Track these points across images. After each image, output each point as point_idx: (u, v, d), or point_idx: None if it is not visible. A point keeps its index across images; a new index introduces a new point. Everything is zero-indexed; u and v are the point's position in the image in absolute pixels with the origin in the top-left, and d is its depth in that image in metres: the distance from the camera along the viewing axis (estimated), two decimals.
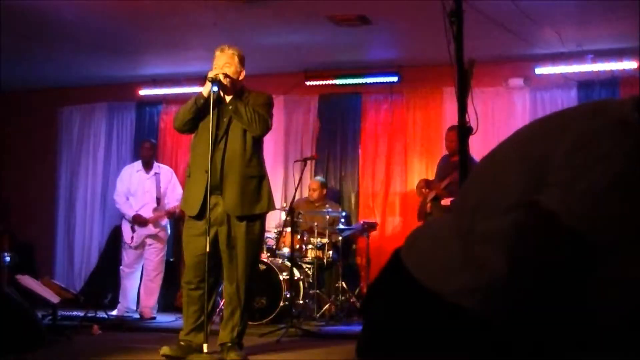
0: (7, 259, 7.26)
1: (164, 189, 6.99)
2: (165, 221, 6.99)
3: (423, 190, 6.64)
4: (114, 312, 6.79)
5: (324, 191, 7.38)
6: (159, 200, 6.92)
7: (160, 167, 7.14)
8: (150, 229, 6.87)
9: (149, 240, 6.90)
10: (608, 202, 1.10)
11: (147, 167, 7.04)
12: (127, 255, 6.96)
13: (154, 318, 6.74)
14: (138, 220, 6.81)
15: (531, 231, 1.17)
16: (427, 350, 1.27)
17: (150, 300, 6.88)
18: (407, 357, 1.29)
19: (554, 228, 1.13)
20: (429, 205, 6.45)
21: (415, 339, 1.28)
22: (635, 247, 1.15)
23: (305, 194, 7.50)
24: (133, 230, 6.85)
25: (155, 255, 6.91)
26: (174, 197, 6.91)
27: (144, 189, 6.94)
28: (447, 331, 1.26)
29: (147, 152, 7.07)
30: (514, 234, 1.19)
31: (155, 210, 6.88)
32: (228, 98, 4.19)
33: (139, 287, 7.01)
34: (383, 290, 1.41)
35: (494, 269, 1.22)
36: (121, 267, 7.00)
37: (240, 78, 4.27)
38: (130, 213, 6.86)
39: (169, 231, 7.11)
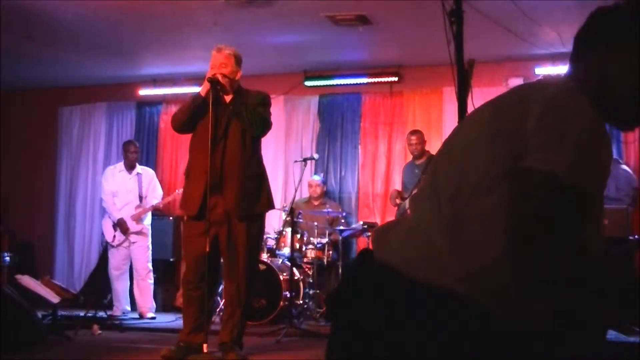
0: (7, 259, 7.26)
1: (146, 190, 7.07)
2: (148, 217, 7.05)
3: (397, 200, 6.72)
4: (112, 313, 6.80)
5: (324, 188, 7.41)
6: (141, 198, 7.00)
7: (142, 169, 7.24)
8: (133, 226, 6.90)
9: (133, 238, 6.93)
10: (591, 152, 1.22)
11: (130, 168, 7.12)
12: (113, 257, 6.99)
13: (154, 318, 6.76)
14: (121, 227, 6.84)
15: (531, 195, 1.22)
16: (424, 343, 1.27)
17: (147, 300, 6.91)
18: (404, 353, 1.29)
19: (554, 185, 1.20)
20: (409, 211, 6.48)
21: (412, 334, 1.29)
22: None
23: (305, 194, 7.50)
24: (115, 229, 6.90)
25: (142, 254, 6.95)
26: (153, 197, 7.05)
27: (126, 189, 7.02)
28: (443, 321, 1.27)
29: (133, 155, 7.13)
30: (508, 206, 1.25)
31: (138, 207, 6.93)
32: (226, 98, 4.19)
33: (130, 287, 7.04)
34: (360, 293, 1.40)
35: (487, 252, 1.26)
36: (109, 270, 7.01)
37: (237, 78, 4.27)
38: (115, 215, 6.90)
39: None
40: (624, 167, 6.52)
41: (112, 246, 6.95)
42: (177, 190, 7.05)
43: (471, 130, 1.39)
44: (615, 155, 6.66)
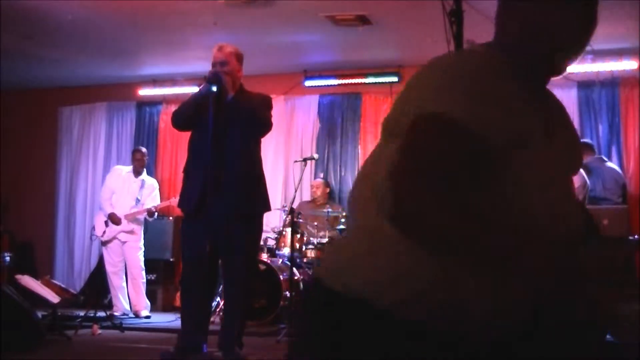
0: (7, 259, 7.27)
1: (145, 197, 7.12)
2: (142, 217, 7.08)
3: None
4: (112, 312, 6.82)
5: (327, 190, 7.40)
6: (138, 200, 7.05)
7: (148, 178, 7.30)
8: (124, 225, 6.93)
9: (124, 237, 6.97)
10: (478, 103, 1.19)
11: (137, 173, 7.18)
12: (108, 254, 7.01)
13: (149, 316, 6.82)
14: (112, 219, 6.89)
15: (419, 139, 1.20)
16: (330, 347, 1.29)
17: (140, 298, 6.97)
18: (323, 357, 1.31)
19: (441, 128, 1.18)
20: None
21: (326, 339, 1.30)
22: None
23: (306, 194, 7.50)
24: (106, 225, 6.93)
25: (133, 254, 6.99)
26: (151, 204, 7.09)
27: (127, 190, 7.06)
28: (349, 326, 1.27)
29: (139, 162, 7.20)
30: (397, 157, 1.22)
31: (132, 208, 6.97)
32: (227, 97, 4.18)
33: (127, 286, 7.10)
34: (316, 324, 1.38)
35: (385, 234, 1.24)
36: (105, 267, 7.04)
37: (239, 75, 4.26)
38: (107, 210, 6.96)
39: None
40: (610, 164, 6.48)
41: (102, 241, 6.99)
42: (172, 198, 7.08)
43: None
44: (600, 154, 6.66)
